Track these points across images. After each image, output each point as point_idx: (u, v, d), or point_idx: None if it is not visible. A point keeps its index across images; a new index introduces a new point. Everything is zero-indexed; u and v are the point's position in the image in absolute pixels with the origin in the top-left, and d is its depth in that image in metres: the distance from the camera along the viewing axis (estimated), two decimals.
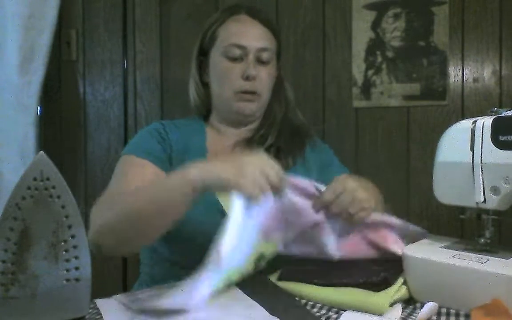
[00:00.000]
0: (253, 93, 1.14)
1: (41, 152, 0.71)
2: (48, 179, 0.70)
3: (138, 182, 1.01)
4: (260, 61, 1.14)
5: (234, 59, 1.13)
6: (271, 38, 1.18)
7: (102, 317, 0.73)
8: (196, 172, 0.82)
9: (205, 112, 1.24)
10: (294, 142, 1.18)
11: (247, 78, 1.12)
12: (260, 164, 0.81)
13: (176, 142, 1.12)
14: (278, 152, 1.14)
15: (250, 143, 1.17)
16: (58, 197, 0.70)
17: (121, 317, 0.74)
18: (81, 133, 1.94)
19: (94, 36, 1.93)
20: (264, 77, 1.15)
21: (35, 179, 0.69)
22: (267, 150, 1.12)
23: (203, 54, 1.20)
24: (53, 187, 0.70)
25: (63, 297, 0.71)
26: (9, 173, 1.80)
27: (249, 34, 1.14)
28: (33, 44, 1.78)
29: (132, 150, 1.09)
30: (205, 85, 1.21)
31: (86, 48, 1.93)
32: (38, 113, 1.83)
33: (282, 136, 1.18)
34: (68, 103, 1.95)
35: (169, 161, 1.09)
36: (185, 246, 1.04)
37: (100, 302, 0.80)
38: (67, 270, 0.71)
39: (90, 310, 0.75)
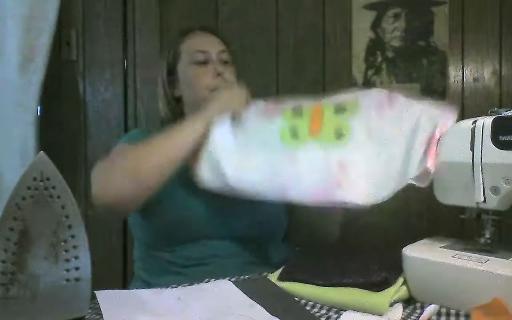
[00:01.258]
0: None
1: (41, 152, 0.71)
2: (48, 179, 0.70)
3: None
4: (222, 62, 1.24)
5: (200, 64, 1.22)
6: (224, 45, 1.29)
7: (102, 317, 0.73)
8: (201, 113, 1.06)
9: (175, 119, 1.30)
10: None
11: (218, 75, 1.20)
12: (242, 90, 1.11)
13: None
14: None
15: None
16: (58, 197, 0.70)
17: (121, 314, 0.74)
18: (81, 133, 1.94)
19: (94, 36, 1.92)
20: (229, 76, 1.23)
21: (35, 179, 0.69)
22: None
23: (170, 73, 1.28)
24: (53, 187, 0.70)
25: (63, 297, 0.71)
26: (9, 173, 1.80)
27: (209, 42, 1.26)
28: (33, 44, 1.78)
29: (124, 141, 1.18)
30: (176, 100, 1.28)
31: (86, 48, 1.93)
32: (38, 113, 1.83)
33: None
34: (68, 103, 1.95)
35: None
36: (180, 244, 1.08)
37: (100, 295, 0.80)
38: (67, 270, 0.71)
39: (90, 310, 0.75)
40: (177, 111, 1.27)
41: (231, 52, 1.30)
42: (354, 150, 0.93)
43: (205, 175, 1.00)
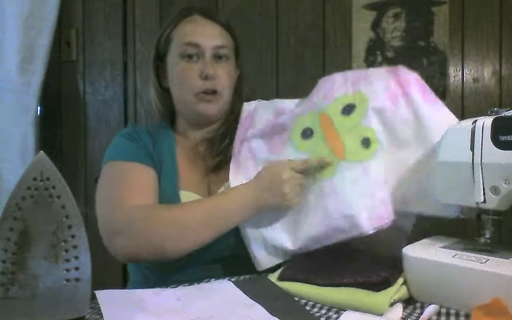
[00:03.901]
0: (213, 92, 1.12)
1: (41, 152, 0.71)
2: (48, 179, 0.70)
3: (141, 185, 1.02)
4: (217, 58, 1.12)
5: (190, 59, 1.11)
6: (227, 35, 1.16)
7: (102, 317, 0.73)
8: (253, 204, 0.97)
9: (169, 117, 1.22)
10: None
11: (205, 77, 1.10)
12: (289, 176, 0.95)
13: (147, 141, 1.11)
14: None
15: (211, 143, 1.16)
16: (58, 197, 0.70)
17: (121, 314, 0.74)
18: (81, 133, 1.94)
19: (94, 36, 1.93)
20: (223, 76, 1.13)
21: (35, 179, 0.69)
22: (226, 148, 1.12)
23: (160, 59, 1.17)
24: (53, 187, 0.70)
25: (63, 297, 0.71)
26: (9, 173, 1.80)
27: (204, 33, 1.12)
28: (33, 44, 1.78)
29: (115, 156, 1.07)
30: (165, 91, 1.18)
31: (86, 48, 1.93)
32: (38, 113, 1.83)
33: None
34: (68, 103, 1.95)
35: (150, 156, 1.08)
36: (170, 271, 1.04)
37: (100, 295, 0.80)
38: (67, 270, 0.71)
39: (90, 310, 0.75)
40: (167, 104, 1.19)
41: (237, 47, 1.20)
42: (389, 153, 0.91)
43: (263, 259, 0.98)
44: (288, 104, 1.07)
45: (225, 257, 1.05)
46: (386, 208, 0.88)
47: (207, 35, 1.12)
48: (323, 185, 0.93)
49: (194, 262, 1.01)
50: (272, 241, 0.97)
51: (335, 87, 0.98)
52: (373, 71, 0.99)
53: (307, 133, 0.98)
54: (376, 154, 0.91)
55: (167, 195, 1.06)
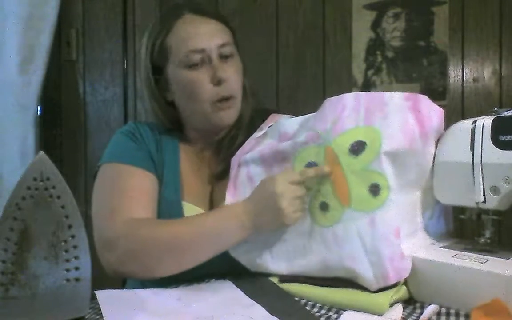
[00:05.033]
0: (230, 98, 1.02)
1: (41, 152, 0.71)
2: (48, 179, 0.70)
3: (138, 193, 0.96)
4: (224, 58, 1.02)
5: (195, 67, 1.00)
6: (225, 29, 1.05)
7: (102, 317, 0.73)
8: (249, 223, 0.88)
9: (176, 127, 1.11)
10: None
11: (218, 82, 1.00)
12: (284, 189, 0.85)
13: (150, 142, 1.05)
14: None
15: (218, 148, 1.08)
16: (58, 197, 0.70)
17: (121, 314, 0.74)
18: (81, 133, 1.94)
19: (94, 36, 1.93)
20: (234, 76, 1.03)
21: (35, 179, 0.69)
22: (233, 155, 1.02)
23: (157, 72, 1.06)
24: (53, 187, 0.70)
25: (63, 297, 0.71)
26: (9, 173, 1.80)
27: (203, 34, 1.01)
28: (33, 44, 1.78)
29: (113, 157, 1.02)
30: (169, 104, 1.07)
31: (86, 48, 1.93)
32: (38, 113, 1.83)
33: (251, 134, 1.06)
34: (68, 103, 1.95)
35: (151, 159, 1.03)
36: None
37: (100, 295, 0.80)
38: (67, 270, 0.71)
39: (90, 310, 0.75)
40: (173, 118, 1.08)
41: (235, 38, 1.09)
42: (402, 198, 0.81)
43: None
44: (292, 126, 0.94)
45: (216, 273, 0.96)
46: (394, 266, 0.78)
47: (207, 35, 1.01)
48: (324, 231, 0.84)
49: (188, 277, 0.94)
50: (263, 265, 0.91)
51: (345, 114, 0.85)
52: (389, 99, 0.84)
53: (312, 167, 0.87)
54: (386, 203, 0.80)
55: (169, 202, 1.01)
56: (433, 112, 0.84)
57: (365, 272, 0.78)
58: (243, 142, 1.03)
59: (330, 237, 0.83)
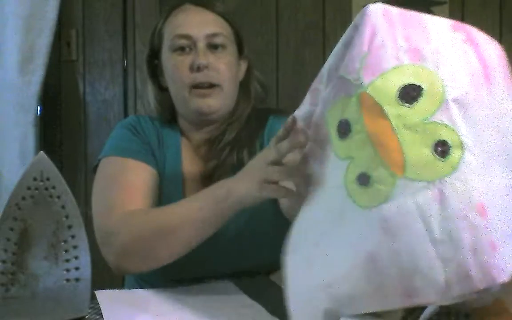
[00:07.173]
0: (210, 86, 1.00)
1: (41, 152, 0.71)
2: (48, 179, 0.70)
3: (137, 187, 0.96)
4: (213, 48, 1.01)
5: (182, 52, 1.01)
6: (223, 22, 1.05)
7: (102, 317, 0.73)
8: (224, 191, 0.82)
9: (171, 119, 1.10)
10: (251, 135, 1.06)
11: (197, 68, 0.99)
12: (258, 162, 0.78)
13: (151, 135, 1.05)
14: (232, 149, 1.03)
15: (211, 143, 1.06)
16: (58, 197, 0.70)
17: (121, 314, 0.74)
18: (81, 133, 1.94)
19: (94, 36, 1.92)
20: (221, 66, 1.01)
21: (35, 179, 0.69)
22: (221, 152, 1.03)
23: (155, 57, 1.09)
24: (53, 187, 0.70)
25: (63, 297, 0.71)
26: (9, 173, 1.80)
27: (195, 22, 1.02)
28: (33, 44, 1.78)
29: (113, 151, 1.01)
30: (165, 90, 1.08)
31: (86, 48, 1.93)
32: (38, 113, 1.83)
33: (244, 132, 1.05)
34: (68, 103, 1.95)
35: (151, 153, 1.03)
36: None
37: (100, 295, 0.80)
38: (67, 270, 0.71)
39: (90, 310, 0.75)
40: (166, 104, 1.08)
41: (239, 36, 1.08)
42: (482, 164, 0.55)
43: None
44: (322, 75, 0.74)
45: (225, 275, 0.95)
46: (480, 261, 0.53)
47: (198, 24, 1.02)
48: (367, 215, 0.56)
49: (190, 277, 0.94)
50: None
51: (378, 44, 0.59)
52: (437, 29, 0.60)
53: (342, 128, 0.60)
54: (460, 167, 0.54)
55: (170, 199, 0.97)
56: (494, 51, 0.64)
57: (433, 273, 0.54)
58: (235, 139, 1.02)
59: (376, 223, 0.55)
